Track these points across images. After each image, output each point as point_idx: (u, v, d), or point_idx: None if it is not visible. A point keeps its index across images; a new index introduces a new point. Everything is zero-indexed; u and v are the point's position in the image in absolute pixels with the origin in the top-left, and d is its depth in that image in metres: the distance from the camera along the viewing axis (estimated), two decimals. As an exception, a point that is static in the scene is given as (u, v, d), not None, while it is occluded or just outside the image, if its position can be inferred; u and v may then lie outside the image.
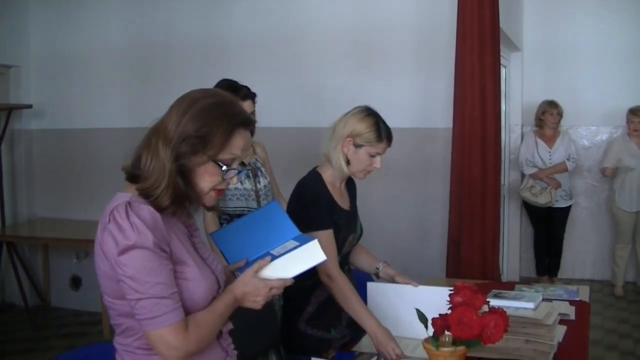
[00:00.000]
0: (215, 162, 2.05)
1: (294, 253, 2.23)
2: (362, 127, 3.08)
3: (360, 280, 3.39)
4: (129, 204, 1.95)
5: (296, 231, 2.38)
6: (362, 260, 3.46)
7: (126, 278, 1.91)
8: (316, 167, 3.24)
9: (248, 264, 2.26)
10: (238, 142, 2.07)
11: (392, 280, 3.28)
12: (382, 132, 3.10)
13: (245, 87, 4.17)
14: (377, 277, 3.42)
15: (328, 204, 3.12)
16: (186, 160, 2.00)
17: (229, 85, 4.08)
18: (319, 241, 2.80)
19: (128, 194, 2.01)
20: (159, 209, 1.98)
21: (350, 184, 3.37)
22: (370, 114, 3.13)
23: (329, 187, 3.16)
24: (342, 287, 3.03)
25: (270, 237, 2.34)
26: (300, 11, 5.85)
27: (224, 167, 2.06)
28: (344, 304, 3.06)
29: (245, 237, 2.38)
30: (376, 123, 3.10)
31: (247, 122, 2.11)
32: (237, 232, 2.45)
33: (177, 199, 2.01)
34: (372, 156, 3.11)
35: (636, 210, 7.26)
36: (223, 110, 2.05)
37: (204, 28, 6.15)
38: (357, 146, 3.09)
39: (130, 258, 1.90)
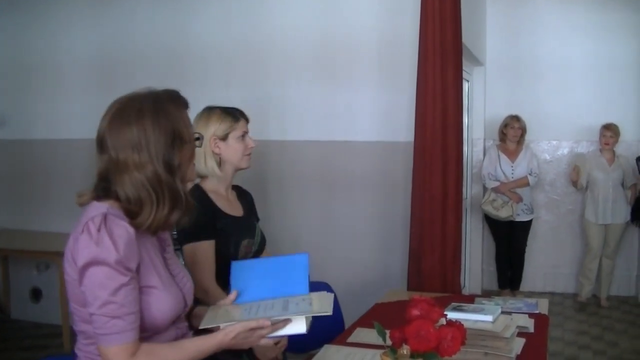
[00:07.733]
0: (192, 144, 2.17)
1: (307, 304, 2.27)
2: (214, 121, 3.14)
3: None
4: (105, 216, 1.94)
5: (307, 290, 2.42)
6: None
7: (86, 289, 1.92)
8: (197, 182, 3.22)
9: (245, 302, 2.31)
10: (188, 117, 2.20)
11: None
12: (234, 113, 3.19)
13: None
14: None
15: (209, 212, 3.08)
16: (174, 161, 2.06)
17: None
18: (198, 252, 2.81)
19: (105, 204, 2.00)
20: (140, 227, 1.99)
21: (243, 195, 3.39)
22: (210, 109, 3.20)
23: (212, 195, 3.15)
24: None
25: (282, 287, 2.38)
26: (264, 24, 5.82)
27: (196, 142, 2.21)
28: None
29: (259, 276, 2.42)
30: (223, 110, 3.17)
31: (184, 100, 2.21)
32: (254, 268, 2.51)
33: (177, 202, 2.06)
34: (242, 137, 3.16)
35: (602, 222, 7.36)
36: (167, 103, 2.13)
37: (168, 39, 6.11)
38: (224, 139, 3.13)
39: (90, 271, 1.90)
